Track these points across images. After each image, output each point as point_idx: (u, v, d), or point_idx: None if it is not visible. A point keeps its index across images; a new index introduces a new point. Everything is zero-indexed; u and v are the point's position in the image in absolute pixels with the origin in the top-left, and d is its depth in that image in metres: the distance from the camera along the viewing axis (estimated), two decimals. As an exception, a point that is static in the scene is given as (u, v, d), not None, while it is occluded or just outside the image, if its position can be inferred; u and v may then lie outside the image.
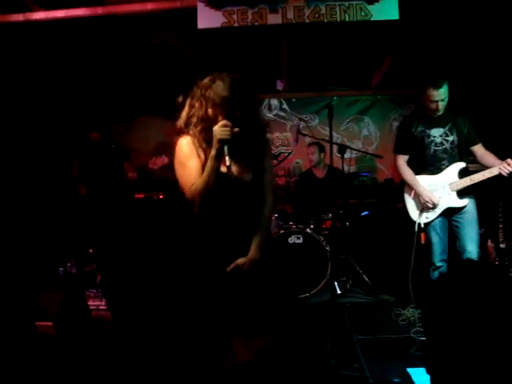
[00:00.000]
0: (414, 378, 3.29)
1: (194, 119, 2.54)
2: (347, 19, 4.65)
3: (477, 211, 4.22)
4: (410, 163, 4.37)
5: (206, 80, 2.54)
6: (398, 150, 4.44)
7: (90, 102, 7.19)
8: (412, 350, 3.73)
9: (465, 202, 4.16)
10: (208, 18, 4.75)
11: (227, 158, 2.41)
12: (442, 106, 4.11)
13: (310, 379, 3.00)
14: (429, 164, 4.25)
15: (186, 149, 2.56)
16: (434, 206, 4.20)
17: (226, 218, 2.59)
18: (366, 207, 6.51)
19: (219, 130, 2.41)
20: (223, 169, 2.45)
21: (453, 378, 1.17)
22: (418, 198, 4.30)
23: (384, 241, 6.08)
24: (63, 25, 5.10)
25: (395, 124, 7.61)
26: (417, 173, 4.32)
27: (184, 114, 2.61)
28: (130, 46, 5.97)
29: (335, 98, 7.64)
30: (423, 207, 4.26)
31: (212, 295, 2.56)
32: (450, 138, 4.19)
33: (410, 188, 4.36)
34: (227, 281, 2.58)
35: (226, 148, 2.42)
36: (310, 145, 6.35)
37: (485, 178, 4.02)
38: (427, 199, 4.19)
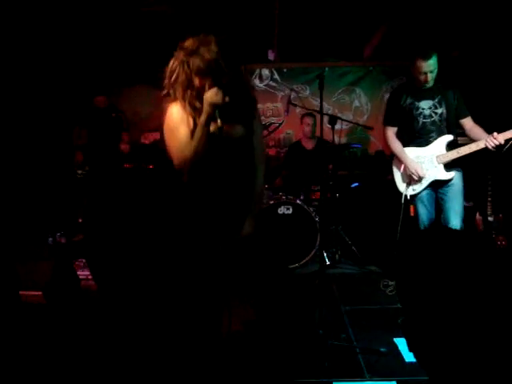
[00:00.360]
0: (400, 347, 3.34)
1: (179, 87, 2.49)
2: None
3: (463, 185, 4.22)
4: (398, 135, 4.36)
5: (189, 44, 2.43)
6: (387, 122, 4.43)
7: (81, 72, 7.07)
8: (399, 320, 3.78)
9: (451, 174, 4.16)
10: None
11: (219, 120, 2.37)
12: (431, 77, 4.09)
13: (298, 348, 3.05)
14: (417, 136, 4.24)
15: (176, 116, 2.50)
16: (420, 178, 4.20)
17: (218, 180, 2.55)
18: (356, 179, 6.52)
19: (210, 95, 2.36)
20: (212, 128, 2.41)
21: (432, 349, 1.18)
22: (405, 170, 4.31)
23: (373, 212, 6.09)
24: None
25: (387, 96, 7.55)
26: (405, 145, 4.32)
27: (167, 81, 2.54)
28: (120, 14, 5.87)
29: (327, 68, 7.52)
30: (410, 179, 4.27)
31: (207, 264, 2.55)
32: (439, 111, 4.17)
33: (399, 160, 4.36)
34: (222, 249, 2.57)
35: (217, 112, 2.38)
36: (305, 115, 6.31)
37: (472, 151, 4.01)
38: (413, 171, 4.20)
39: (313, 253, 5.22)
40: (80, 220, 6.07)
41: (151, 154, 6.61)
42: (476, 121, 4.20)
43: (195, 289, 2.58)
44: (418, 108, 4.21)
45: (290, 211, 5.33)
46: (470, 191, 4.77)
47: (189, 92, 2.46)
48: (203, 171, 2.50)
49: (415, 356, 1.25)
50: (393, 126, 4.39)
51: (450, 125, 4.21)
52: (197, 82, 2.44)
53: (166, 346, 3.24)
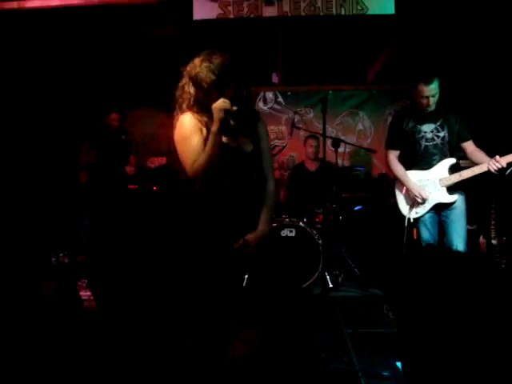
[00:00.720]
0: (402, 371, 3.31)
1: (187, 102, 2.52)
2: (343, 13, 4.65)
3: (465, 207, 4.23)
4: (401, 159, 4.39)
5: (196, 61, 2.50)
6: (390, 146, 4.46)
7: (86, 92, 7.15)
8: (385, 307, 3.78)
9: (454, 197, 4.18)
10: (204, 9, 4.75)
11: (231, 121, 2.38)
12: (432, 101, 4.14)
13: (300, 371, 3.03)
14: (419, 159, 4.27)
15: (189, 125, 2.50)
16: (424, 201, 4.22)
17: (229, 190, 2.55)
18: (359, 201, 6.52)
19: (219, 103, 2.37)
20: (224, 139, 2.43)
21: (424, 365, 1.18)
22: (408, 193, 4.32)
23: (376, 235, 6.09)
24: (58, 13, 5.07)
25: (390, 119, 7.60)
26: (408, 168, 4.34)
27: (177, 98, 2.58)
28: (125, 37, 5.95)
29: (330, 91, 7.57)
30: (413, 202, 4.28)
31: (219, 279, 2.53)
32: (441, 134, 4.21)
33: (401, 183, 4.38)
34: (235, 260, 2.55)
35: (228, 117, 2.39)
36: (309, 137, 6.33)
37: (474, 174, 4.04)
38: (417, 194, 4.21)
39: (316, 275, 5.20)
40: (83, 241, 6.08)
41: (156, 176, 6.64)
42: (478, 142, 4.24)
43: (203, 305, 2.57)
44: (420, 131, 4.24)
45: (293, 234, 5.33)
46: (473, 214, 4.76)
47: (196, 107, 2.50)
48: (217, 179, 2.50)
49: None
50: (395, 149, 4.41)
51: (452, 148, 4.24)
52: (201, 96, 2.48)
53: (168, 366, 3.23)
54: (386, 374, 3.25)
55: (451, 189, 4.19)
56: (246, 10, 4.66)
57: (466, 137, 4.24)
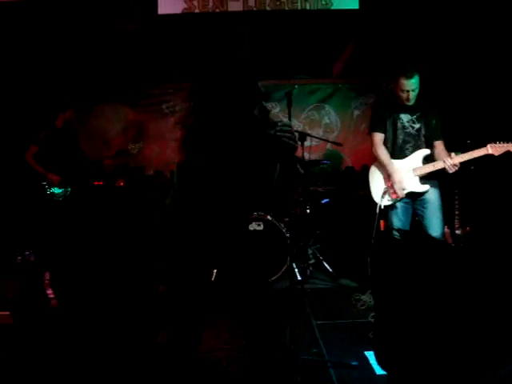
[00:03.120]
0: (371, 360, 3.37)
1: None
2: (308, 7, 4.68)
3: (440, 200, 4.30)
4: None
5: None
6: (374, 129, 4.44)
7: (52, 84, 7.00)
8: (370, 333, 3.83)
9: (426, 187, 4.25)
10: (169, 4, 4.72)
11: None
12: (412, 96, 4.20)
13: (269, 364, 3.04)
14: (394, 147, 4.34)
15: None
16: (402, 190, 4.26)
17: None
18: (327, 194, 6.58)
19: None
20: None
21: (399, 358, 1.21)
22: (384, 179, 4.38)
23: (344, 227, 6.16)
24: (24, 7, 4.97)
25: (356, 112, 7.70)
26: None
27: None
28: (90, 30, 5.86)
29: (297, 86, 7.67)
30: (387, 189, 4.34)
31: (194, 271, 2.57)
32: (417, 126, 4.29)
33: (377, 169, 4.45)
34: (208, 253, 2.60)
35: None
36: None
37: (445, 165, 4.10)
38: (397, 180, 4.26)
39: (284, 268, 5.22)
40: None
41: (120, 169, 6.57)
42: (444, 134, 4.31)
43: (176, 299, 2.59)
44: (397, 119, 4.31)
45: (261, 227, 5.34)
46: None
47: None
48: None
49: (383, 365, 1.28)
50: (380, 131, 4.40)
51: (427, 141, 4.31)
52: None
53: (138, 361, 3.22)
54: (354, 363, 3.30)
55: (424, 179, 4.26)
56: (211, 4, 4.65)
57: (438, 136, 4.32)
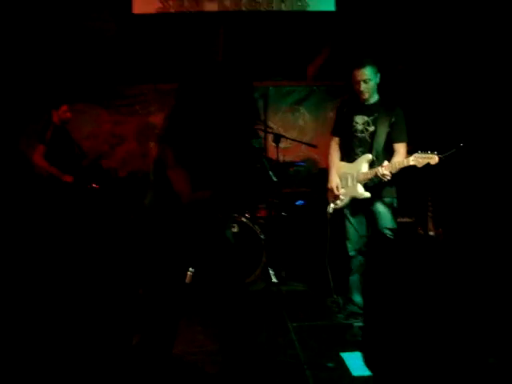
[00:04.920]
0: (347, 361, 3.37)
1: None
2: (284, 8, 4.69)
3: (391, 209, 4.12)
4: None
5: None
6: (332, 132, 4.44)
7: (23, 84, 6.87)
8: (347, 335, 3.85)
9: (367, 195, 4.09)
10: (143, 3, 4.69)
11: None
12: (364, 87, 4.04)
13: (245, 366, 3.03)
14: (348, 151, 4.23)
15: None
16: (343, 196, 4.19)
17: None
18: (301, 196, 6.57)
19: None
20: None
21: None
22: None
23: (319, 229, 6.16)
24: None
25: (331, 115, 7.70)
26: (340, 159, 4.33)
27: None
28: (64, 29, 5.77)
29: (271, 88, 7.66)
30: (333, 195, 4.27)
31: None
32: (371, 129, 4.10)
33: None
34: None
35: None
36: None
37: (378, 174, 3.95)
38: (330, 186, 4.24)
39: (259, 271, 5.21)
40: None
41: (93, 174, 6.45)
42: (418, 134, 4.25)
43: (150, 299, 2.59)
44: (352, 122, 4.17)
45: (236, 229, 5.32)
46: (410, 207, 4.90)
47: None
48: None
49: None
50: (335, 135, 4.38)
51: (378, 145, 4.07)
52: None
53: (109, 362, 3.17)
54: (330, 365, 3.30)
55: (369, 186, 4.10)
56: (186, 4, 4.63)
57: (399, 138, 4.07)
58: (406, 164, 3.84)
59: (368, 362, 1.24)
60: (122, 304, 4.39)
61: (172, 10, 4.65)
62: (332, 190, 4.22)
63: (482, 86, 5.19)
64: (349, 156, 4.23)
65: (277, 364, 3.25)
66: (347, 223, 4.28)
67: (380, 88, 4.16)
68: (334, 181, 4.23)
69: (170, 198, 2.56)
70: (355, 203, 4.19)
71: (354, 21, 5.44)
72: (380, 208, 4.10)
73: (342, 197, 4.20)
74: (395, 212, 4.15)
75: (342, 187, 4.24)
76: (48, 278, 4.66)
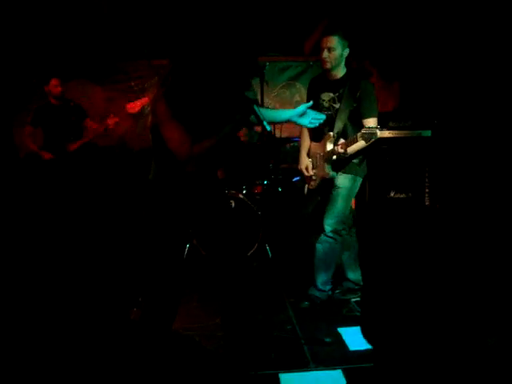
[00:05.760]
0: (344, 336, 3.40)
1: None
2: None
3: (350, 191, 3.99)
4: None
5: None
6: None
7: (15, 63, 6.78)
8: (344, 311, 3.87)
9: (331, 174, 3.94)
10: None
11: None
12: (327, 55, 3.82)
13: (243, 341, 3.05)
14: (316, 130, 3.86)
15: None
16: (312, 177, 4.09)
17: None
18: (298, 173, 6.56)
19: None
20: None
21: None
22: None
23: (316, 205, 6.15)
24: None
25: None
26: (311, 138, 4.20)
27: None
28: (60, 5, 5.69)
29: (267, 63, 7.58)
30: (307, 175, 4.16)
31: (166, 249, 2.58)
32: (336, 106, 3.90)
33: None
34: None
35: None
36: None
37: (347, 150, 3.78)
38: (300, 167, 4.16)
39: (256, 247, 5.22)
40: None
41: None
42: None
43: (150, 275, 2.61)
44: (319, 99, 4.00)
45: (233, 205, 5.31)
46: (407, 182, 4.89)
47: None
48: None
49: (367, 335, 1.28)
50: None
51: (341, 122, 3.88)
52: None
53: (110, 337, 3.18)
54: (327, 340, 3.33)
55: (336, 166, 3.94)
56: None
57: (367, 114, 3.85)
58: (356, 141, 3.67)
59: (367, 335, 1.25)
60: (122, 278, 4.41)
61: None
62: (302, 171, 4.14)
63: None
64: (317, 135, 4.08)
65: (274, 339, 3.27)
66: (309, 202, 4.21)
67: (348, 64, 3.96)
68: (304, 162, 4.13)
69: (170, 166, 2.55)
70: (328, 182, 4.01)
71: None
72: (337, 191, 3.96)
73: (313, 177, 4.10)
74: (353, 191, 4.00)
75: (314, 168, 4.11)
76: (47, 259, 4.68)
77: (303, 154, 4.19)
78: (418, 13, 5.62)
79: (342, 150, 3.74)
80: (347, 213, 4.07)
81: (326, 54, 3.81)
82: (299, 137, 4.38)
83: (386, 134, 3.57)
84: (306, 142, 4.22)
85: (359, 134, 3.61)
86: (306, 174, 4.12)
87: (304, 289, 4.31)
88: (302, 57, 7.76)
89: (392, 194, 4.99)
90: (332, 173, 3.93)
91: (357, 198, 4.32)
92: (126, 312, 3.67)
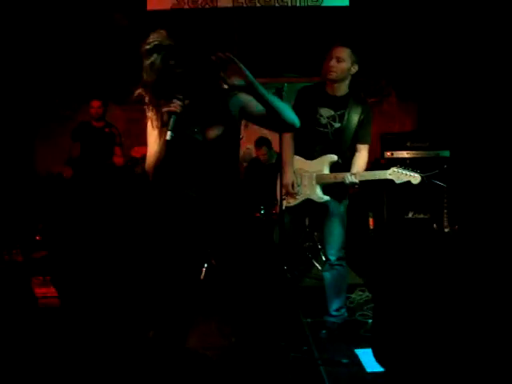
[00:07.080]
0: (361, 358, 3.37)
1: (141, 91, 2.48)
2: (298, 4, 4.68)
3: (345, 216, 3.84)
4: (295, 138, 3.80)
5: (143, 48, 2.44)
6: None
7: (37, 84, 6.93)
8: (361, 331, 3.84)
9: (325, 198, 3.73)
10: (157, 0, 4.70)
11: (169, 132, 2.30)
12: (335, 64, 3.62)
13: (260, 361, 3.04)
14: (304, 145, 3.74)
15: (149, 124, 2.55)
16: (293, 194, 3.75)
17: (180, 180, 2.58)
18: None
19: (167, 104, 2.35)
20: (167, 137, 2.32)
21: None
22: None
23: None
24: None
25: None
26: (294, 152, 3.82)
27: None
28: (80, 27, 5.80)
29: (286, 84, 7.61)
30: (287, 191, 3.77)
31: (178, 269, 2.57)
32: (336, 125, 3.69)
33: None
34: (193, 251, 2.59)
35: (171, 120, 2.32)
36: (259, 145, 6.35)
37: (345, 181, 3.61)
38: (284, 182, 3.67)
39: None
40: (38, 237, 5.89)
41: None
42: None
43: (163, 296, 2.59)
44: (316, 114, 3.72)
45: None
46: (426, 203, 4.87)
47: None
48: (166, 172, 2.53)
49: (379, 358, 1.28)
50: None
51: (342, 144, 3.73)
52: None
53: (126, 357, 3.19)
54: (345, 361, 3.30)
55: (328, 189, 3.76)
56: (200, 0, 4.63)
57: (364, 140, 3.73)
58: (381, 177, 3.57)
59: (378, 357, 1.24)
60: (138, 299, 4.42)
61: (186, 7, 4.66)
62: (287, 187, 3.70)
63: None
64: (305, 151, 3.78)
65: (291, 359, 3.26)
66: (287, 219, 3.75)
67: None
68: (291, 178, 3.71)
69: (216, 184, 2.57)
70: (313, 203, 3.78)
71: (368, 16, 5.40)
72: (335, 210, 3.79)
73: (296, 196, 3.77)
74: (345, 214, 3.84)
75: (298, 185, 3.78)
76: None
77: (290, 169, 3.75)
78: (437, 33, 5.64)
79: (356, 181, 3.56)
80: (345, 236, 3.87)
81: (333, 62, 3.61)
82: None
83: (418, 179, 3.49)
84: (292, 155, 3.80)
85: (390, 172, 3.52)
86: (290, 190, 3.73)
87: (321, 308, 4.29)
88: (319, 77, 7.79)
89: (410, 215, 4.97)
90: (325, 197, 3.72)
91: (375, 218, 4.31)
92: (144, 332, 3.69)
